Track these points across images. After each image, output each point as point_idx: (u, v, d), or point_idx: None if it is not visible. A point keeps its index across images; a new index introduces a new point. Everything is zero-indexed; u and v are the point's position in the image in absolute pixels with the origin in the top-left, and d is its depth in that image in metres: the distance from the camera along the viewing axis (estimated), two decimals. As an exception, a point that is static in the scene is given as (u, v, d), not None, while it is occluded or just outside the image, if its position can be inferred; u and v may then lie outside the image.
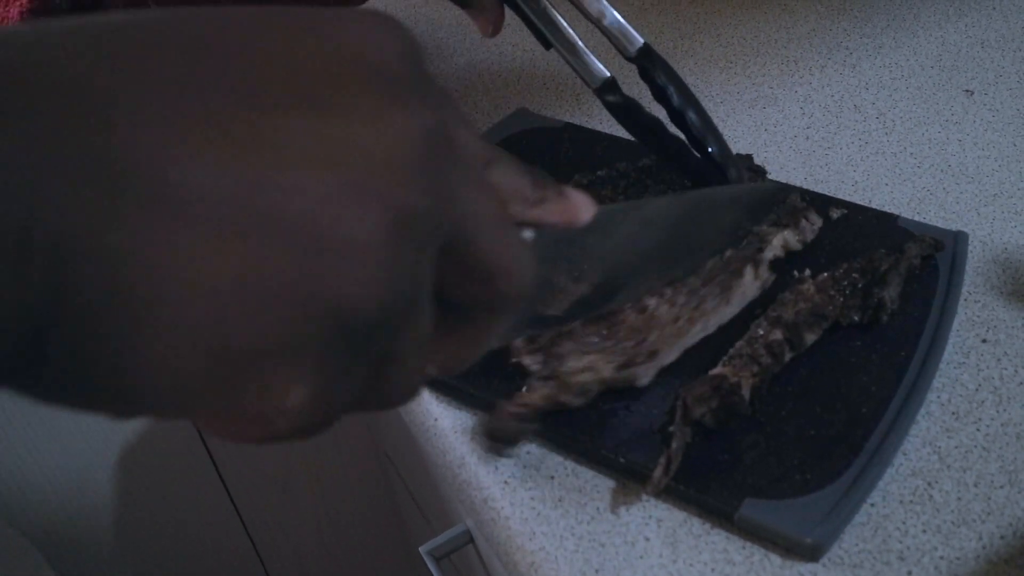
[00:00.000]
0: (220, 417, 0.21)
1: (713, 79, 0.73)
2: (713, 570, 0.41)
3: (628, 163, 0.61)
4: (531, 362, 0.47)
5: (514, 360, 0.48)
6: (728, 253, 0.52)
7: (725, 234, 0.51)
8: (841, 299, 0.49)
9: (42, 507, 0.81)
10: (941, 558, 0.41)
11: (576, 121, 0.69)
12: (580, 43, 0.55)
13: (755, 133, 0.67)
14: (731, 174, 0.55)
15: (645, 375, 0.47)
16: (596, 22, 0.55)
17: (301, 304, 0.19)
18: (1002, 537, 0.41)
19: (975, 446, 0.45)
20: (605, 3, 0.55)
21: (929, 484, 0.43)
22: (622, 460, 0.45)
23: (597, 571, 0.42)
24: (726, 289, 0.50)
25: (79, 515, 0.83)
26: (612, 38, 0.56)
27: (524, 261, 0.25)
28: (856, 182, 0.61)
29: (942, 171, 0.61)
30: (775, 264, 0.52)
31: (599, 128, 0.67)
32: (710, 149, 0.55)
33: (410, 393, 0.24)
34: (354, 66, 0.21)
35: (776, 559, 0.41)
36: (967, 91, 0.68)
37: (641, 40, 0.56)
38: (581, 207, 0.30)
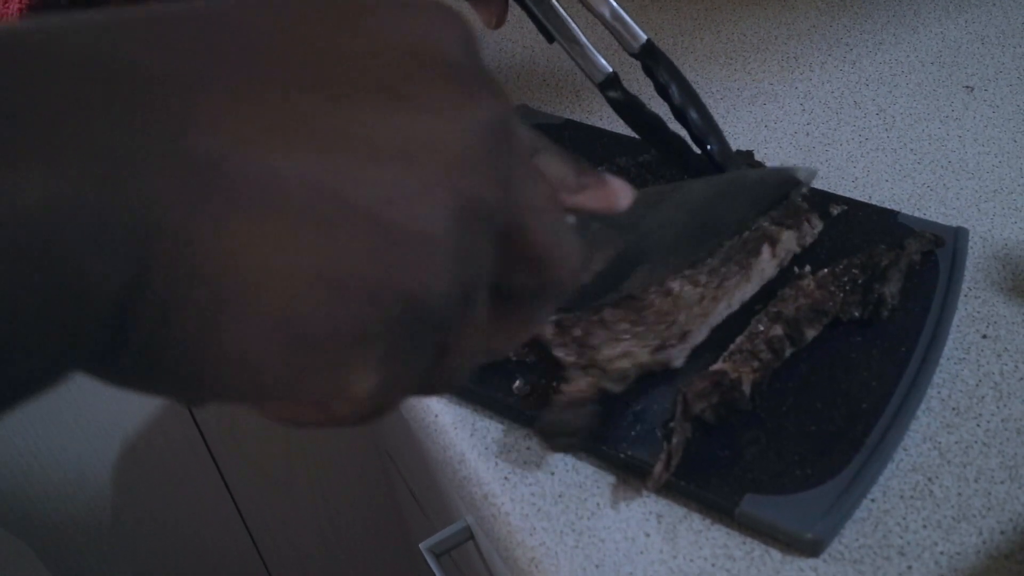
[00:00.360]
0: (286, 402, 0.21)
1: (714, 75, 0.73)
2: (713, 565, 0.41)
3: (628, 159, 0.61)
4: (564, 354, 0.47)
5: (550, 353, 0.48)
6: (745, 234, 0.52)
7: (748, 215, 0.51)
8: (841, 295, 0.49)
9: (40, 507, 0.81)
10: (941, 553, 0.41)
11: (576, 117, 0.69)
12: (583, 38, 0.55)
13: (755, 129, 0.67)
14: (731, 171, 0.54)
15: (679, 356, 0.48)
16: (599, 17, 0.55)
17: (375, 294, 0.19)
18: (1002, 532, 0.41)
19: (975, 442, 0.45)
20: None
21: (929, 479, 0.43)
22: (623, 456, 0.45)
23: (597, 567, 0.42)
24: (745, 267, 0.50)
25: (78, 515, 0.83)
26: (615, 34, 0.56)
27: (575, 248, 0.26)
28: (856, 178, 0.61)
29: (942, 167, 0.61)
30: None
31: (599, 124, 0.67)
32: (710, 147, 0.55)
33: (464, 378, 0.25)
34: (423, 57, 0.21)
35: (776, 554, 0.41)
36: (967, 87, 0.68)
37: (644, 36, 0.56)
38: (620, 193, 0.30)
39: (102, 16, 0.18)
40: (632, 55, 0.56)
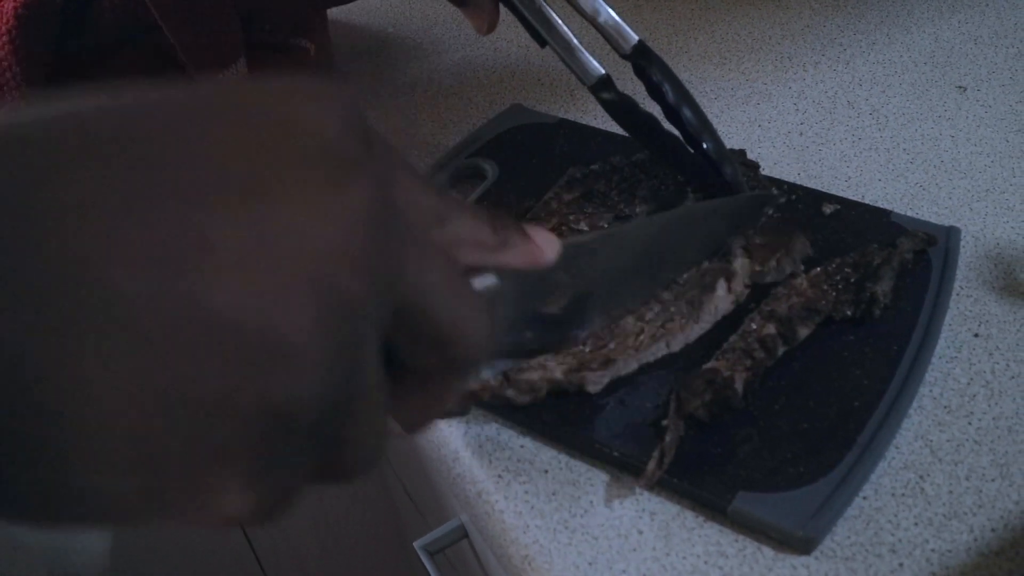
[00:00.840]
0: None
1: (707, 75, 0.73)
2: (706, 563, 0.41)
3: (622, 157, 0.61)
4: None
5: None
6: (704, 265, 0.51)
7: (704, 248, 0.50)
8: (834, 294, 0.49)
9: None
10: (933, 551, 0.41)
11: (571, 117, 0.69)
12: (575, 40, 0.55)
13: (749, 129, 0.67)
14: (726, 171, 0.55)
15: (597, 382, 0.47)
16: (591, 19, 0.55)
17: (232, 409, 0.18)
18: (993, 530, 0.41)
19: (967, 440, 0.45)
20: (600, 0, 0.55)
21: (921, 477, 0.44)
22: (616, 453, 0.45)
23: (591, 564, 0.42)
24: (696, 307, 0.49)
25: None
26: (607, 35, 0.56)
27: (480, 323, 0.25)
28: (849, 178, 0.61)
29: (935, 167, 0.62)
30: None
31: (594, 124, 0.68)
32: (705, 146, 0.55)
33: (373, 461, 0.23)
34: (290, 147, 0.20)
35: (769, 552, 0.41)
36: (960, 87, 0.68)
37: (636, 37, 0.56)
38: (546, 247, 0.29)
39: None
40: (624, 57, 0.56)
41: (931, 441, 0.45)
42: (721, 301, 0.50)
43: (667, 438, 0.44)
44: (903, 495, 0.43)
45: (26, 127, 0.18)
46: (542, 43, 0.56)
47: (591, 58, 0.56)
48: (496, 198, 0.60)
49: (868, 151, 0.64)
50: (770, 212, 0.56)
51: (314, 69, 0.78)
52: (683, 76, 0.73)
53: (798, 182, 0.59)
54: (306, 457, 0.21)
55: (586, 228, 0.55)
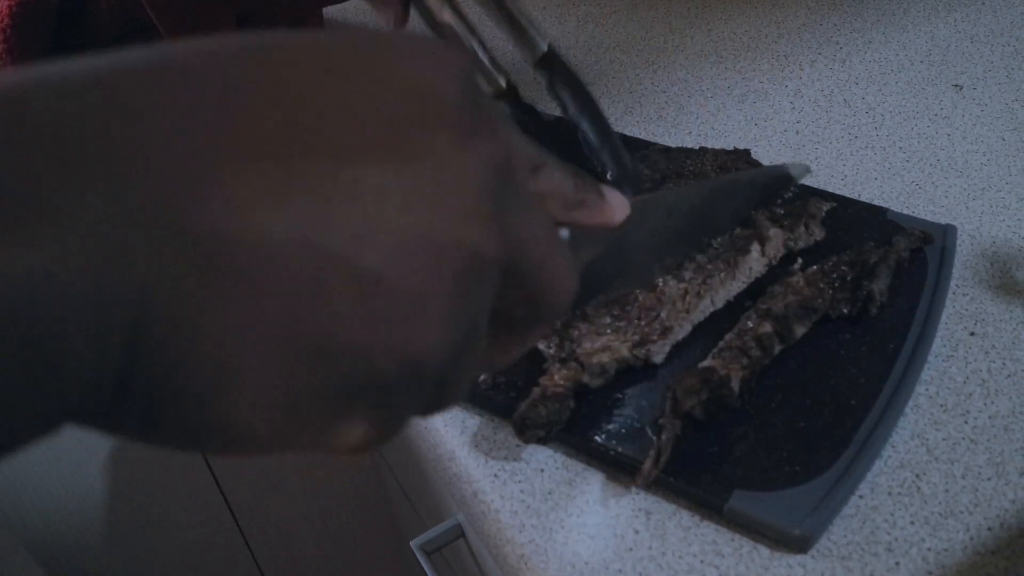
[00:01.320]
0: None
1: (704, 73, 0.73)
2: (702, 562, 0.41)
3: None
4: (545, 346, 0.47)
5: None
6: (736, 231, 0.52)
7: (735, 216, 0.51)
8: (830, 292, 0.49)
9: (32, 507, 0.81)
10: (929, 550, 0.41)
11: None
12: (475, 46, 0.52)
13: (745, 128, 0.67)
14: (627, 195, 0.52)
15: (660, 352, 0.48)
16: (497, 23, 0.52)
17: (372, 359, 0.19)
18: (989, 529, 0.41)
19: (963, 438, 0.45)
20: (507, 3, 0.51)
21: (917, 476, 0.44)
22: (612, 452, 0.45)
23: (586, 563, 0.42)
24: (732, 265, 0.50)
25: (70, 514, 0.83)
26: (515, 41, 0.52)
27: (571, 275, 0.26)
28: (846, 176, 0.61)
29: (931, 165, 0.62)
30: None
31: (590, 122, 0.67)
32: (608, 173, 0.51)
33: (462, 397, 0.25)
34: (418, 106, 0.21)
35: (765, 551, 0.41)
36: (956, 86, 0.68)
37: (544, 46, 0.52)
38: (618, 208, 0.30)
39: (93, 69, 0.18)
40: (533, 66, 0.52)
41: (927, 440, 0.45)
42: (755, 262, 0.52)
43: (663, 437, 0.43)
44: (899, 494, 0.43)
45: (169, 66, 0.18)
46: None
47: (494, 70, 0.52)
48: None
49: (864, 149, 0.64)
50: (788, 195, 0.57)
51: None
52: (679, 74, 0.74)
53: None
54: (424, 395, 0.22)
55: None
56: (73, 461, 0.80)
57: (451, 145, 0.21)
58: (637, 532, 0.43)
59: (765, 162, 0.62)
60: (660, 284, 0.49)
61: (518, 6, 0.50)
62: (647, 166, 0.59)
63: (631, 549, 0.42)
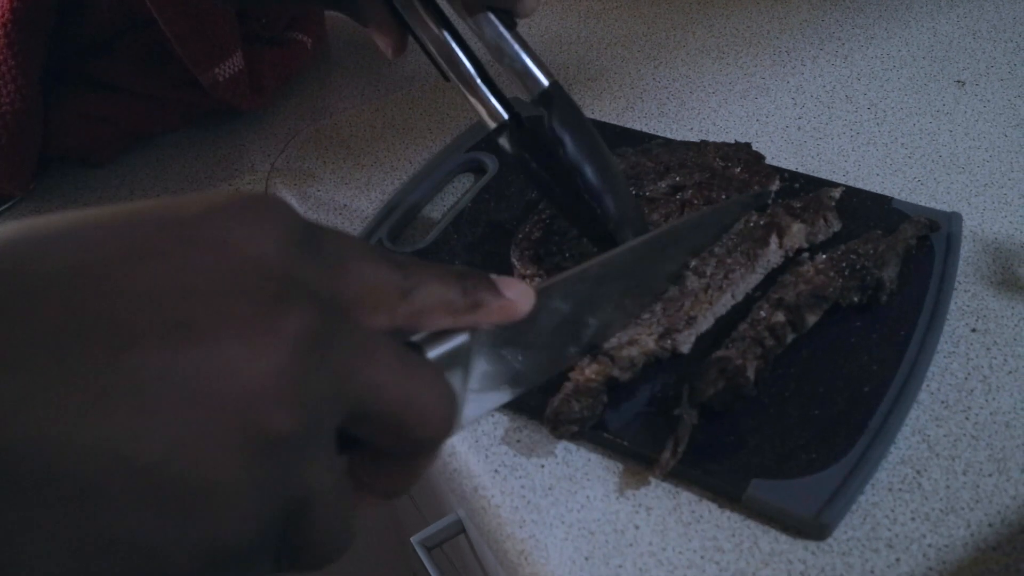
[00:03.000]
0: None
1: (705, 69, 0.73)
2: (703, 558, 0.41)
3: (624, 148, 0.61)
4: None
5: None
6: (752, 220, 0.52)
7: (703, 246, 0.50)
8: (840, 280, 0.49)
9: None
10: (929, 546, 0.41)
11: (568, 111, 0.69)
12: (478, 79, 0.49)
13: (747, 123, 0.67)
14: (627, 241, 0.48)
15: (686, 341, 0.48)
16: (496, 56, 0.49)
17: (164, 553, 0.18)
18: (990, 525, 0.41)
19: (964, 435, 0.45)
20: (507, 36, 0.48)
21: (918, 472, 0.44)
22: (626, 444, 0.45)
23: (587, 559, 0.42)
24: (751, 258, 0.51)
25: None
26: (516, 76, 0.49)
27: (443, 403, 0.25)
28: (847, 172, 0.61)
29: (933, 161, 0.61)
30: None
31: (590, 116, 0.67)
32: (607, 217, 0.48)
33: (345, 545, 0.24)
34: (223, 276, 0.20)
35: (765, 547, 0.41)
36: (959, 81, 0.68)
37: (546, 81, 0.49)
38: (520, 301, 0.29)
39: None
40: (532, 102, 0.49)
41: (928, 436, 0.45)
42: (773, 254, 0.52)
43: (681, 427, 0.43)
44: (900, 490, 0.43)
45: None
46: (445, 78, 0.50)
47: (495, 101, 0.49)
48: (497, 191, 0.60)
49: (866, 145, 0.63)
50: (796, 186, 0.58)
51: (311, 62, 0.78)
52: (681, 70, 0.74)
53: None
54: (265, 557, 0.21)
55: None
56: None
57: (255, 315, 0.20)
58: (637, 527, 0.43)
59: (768, 158, 0.62)
60: (682, 278, 0.50)
61: (520, 38, 0.48)
62: (649, 159, 0.59)
63: (631, 544, 0.42)
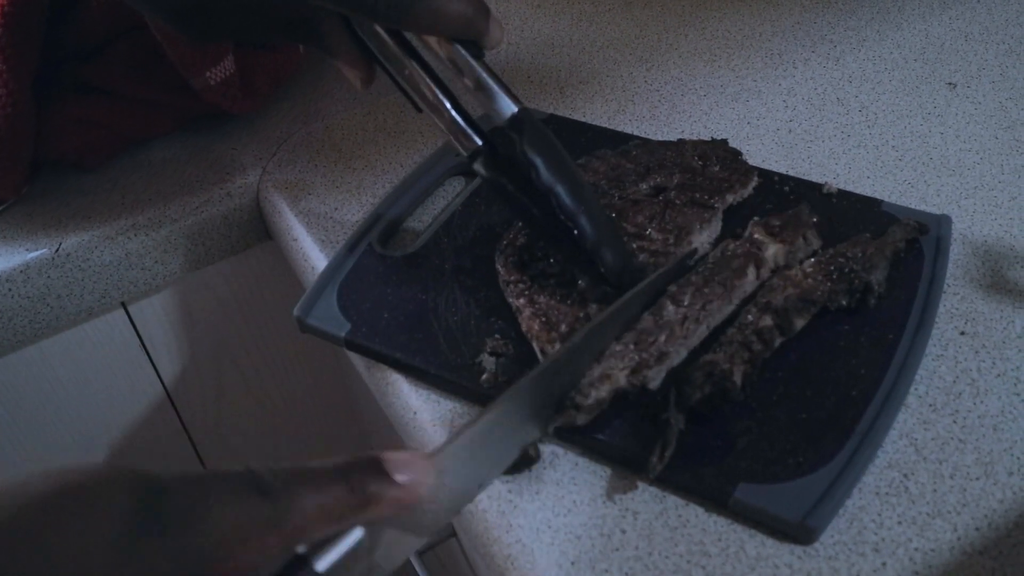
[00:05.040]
0: None
1: (697, 72, 0.73)
2: (689, 562, 0.41)
3: (609, 148, 0.61)
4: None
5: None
6: (730, 246, 0.51)
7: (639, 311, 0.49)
8: (828, 284, 0.49)
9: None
10: (916, 550, 0.41)
11: (561, 112, 0.69)
12: (448, 106, 0.49)
13: (738, 126, 0.67)
14: (606, 259, 0.49)
15: (656, 377, 0.46)
16: (467, 89, 0.49)
17: None
18: (977, 529, 0.41)
19: (951, 438, 0.45)
20: (475, 66, 0.48)
21: (905, 476, 0.44)
22: (612, 447, 0.45)
23: (573, 564, 0.42)
24: (729, 288, 0.50)
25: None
26: (482, 103, 0.49)
27: None
28: (838, 175, 0.61)
29: (924, 164, 0.61)
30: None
31: (583, 119, 0.67)
32: (603, 261, 0.49)
33: None
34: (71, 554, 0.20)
35: (751, 551, 0.41)
36: (950, 84, 0.68)
37: (514, 107, 0.48)
38: (417, 483, 0.27)
39: None
40: (499, 128, 0.49)
41: (916, 439, 0.45)
42: (749, 284, 0.51)
43: (668, 430, 0.43)
44: (887, 494, 0.43)
45: None
46: (417, 108, 0.50)
47: (468, 128, 0.49)
48: (487, 195, 0.60)
49: (857, 148, 0.63)
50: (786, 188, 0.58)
51: (303, 66, 0.78)
52: (672, 72, 0.73)
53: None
54: None
55: None
56: (64, 462, 0.80)
57: None
58: (624, 532, 0.43)
59: (755, 161, 0.62)
60: (658, 306, 0.49)
61: (488, 67, 0.48)
62: (628, 160, 0.59)
63: (618, 549, 0.42)
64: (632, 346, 0.47)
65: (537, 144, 0.48)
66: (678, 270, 0.51)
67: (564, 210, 0.48)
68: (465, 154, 0.50)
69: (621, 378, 0.46)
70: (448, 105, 0.49)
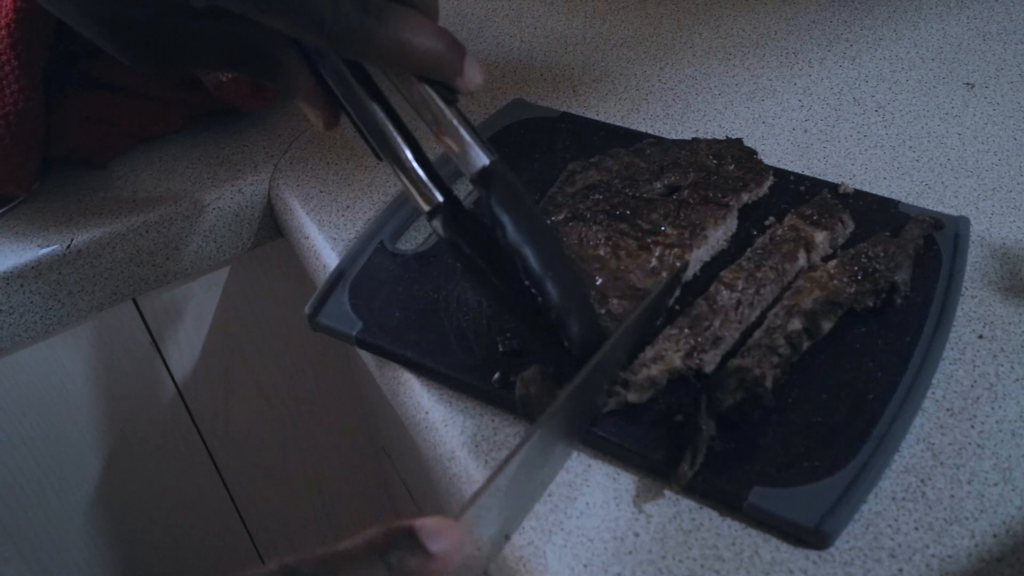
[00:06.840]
0: None
1: (712, 71, 0.73)
2: (703, 566, 0.41)
3: (622, 147, 0.60)
4: None
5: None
6: (777, 232, 0.52)
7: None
8: (854, 285, 0.49)
9: (31, 502, 0.81)
10: (933, 556, 0.40)
11: (573, 110, 0.68)
12: (412, 160, 0.45)
13: (753, 125, 0.66)
14: (571, 331, 0.45)
15: (712, 361, 0.47)
16: (435, 137, 0.44)
17: None
18: (995, 535, 0.41)
19: (969, 443, 0.44)
20: (446, 112, 0.44)
21: (922, 481, 0.43)
22: (627, 449, 0.44)
23: (585, 566, 0.41)
24: (781, 273, 0.50)
25: (73, 508, 0.83)
26: (453, 156, 0.45)
27: None
28: (854, 175, 0.61)
29: (941, 165, 0.61)
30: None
31: (596, 117, 0.67)
32: (567, 334, 0.45)
33: None
34: None
35: (765, 555, 0.41)
36: (968, 84, 0.67)
37: (486, 160, 0.44)
38: (451, 551, 0.27)
39: None
40: (471, 181, 0.45)
41: (933, 444, 0.44)
42: (800, 268, 0.51)
43: (698, 438, 0.43)
44: (903, 499, 0.42)
45: None
46: (377, 157, 0.46)
47: (430, 183, 0.45)
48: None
49: (873, 148, 0.63)
50: (802, 188, 0.58)
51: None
52: (687, 71, 0.73)
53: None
54: None
55: (602, 216, 0.54)
56: (75, 455, 0.80)
57: None
58: (637, 535, 0.42)
59: (771, 161, 0.61)
60: (713, 291, 0.49)
61: (460, 114, 0.44)
62: (642, 159, 0.58)
63: (631, 552, 0.42)
64: (687, 330, 0.47)
65: (507, 201, 0.44)
66: (671, 286, 0.51)
67: (530, 274, 0.44)
68: (425, 209, 0.46)
69: (676, 359, 0.46)
70: (410, 155, 0.45)
